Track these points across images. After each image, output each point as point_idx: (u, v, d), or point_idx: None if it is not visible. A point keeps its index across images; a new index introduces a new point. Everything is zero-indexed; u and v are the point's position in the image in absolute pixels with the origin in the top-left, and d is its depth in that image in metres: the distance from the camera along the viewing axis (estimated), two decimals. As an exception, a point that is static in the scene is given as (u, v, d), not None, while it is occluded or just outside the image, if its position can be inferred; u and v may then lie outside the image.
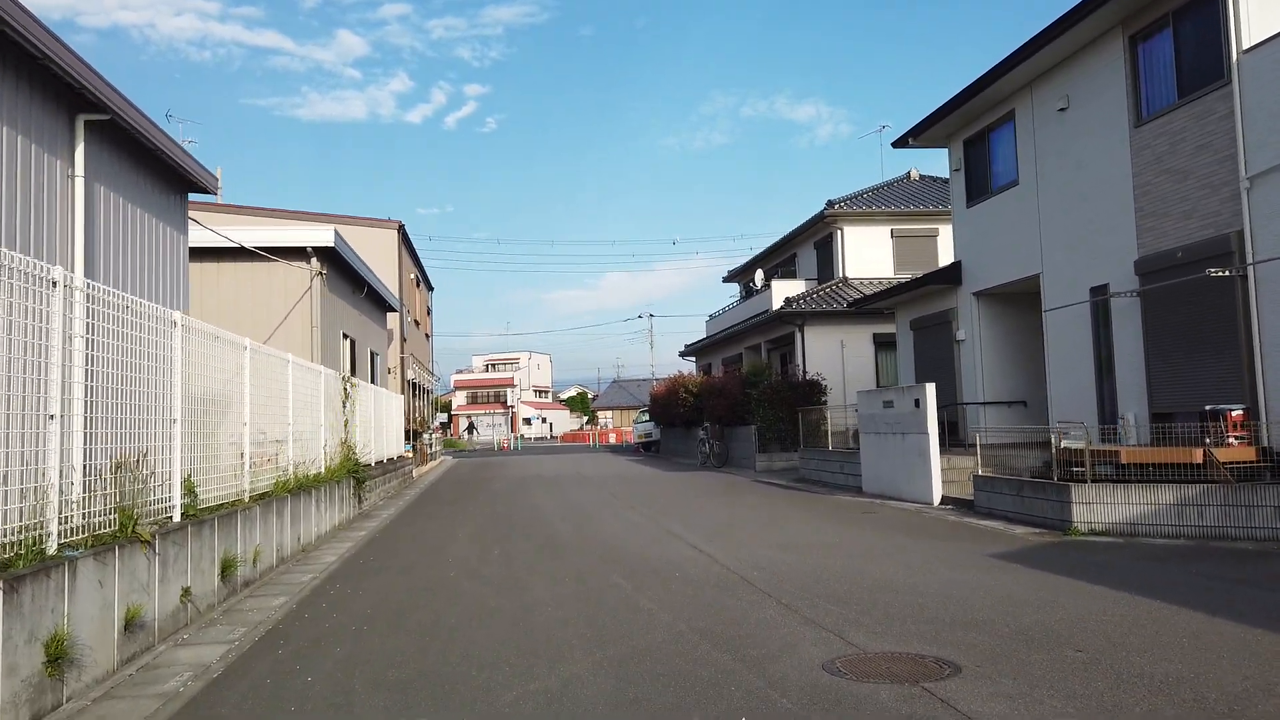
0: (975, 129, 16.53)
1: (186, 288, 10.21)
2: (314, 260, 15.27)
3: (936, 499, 13.67)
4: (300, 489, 11.13)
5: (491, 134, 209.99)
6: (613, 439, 62.12)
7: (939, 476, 13.77)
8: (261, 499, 9.37)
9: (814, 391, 23.16)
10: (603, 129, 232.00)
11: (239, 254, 14.99)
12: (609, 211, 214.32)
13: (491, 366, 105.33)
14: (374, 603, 7.46)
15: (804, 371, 24.14)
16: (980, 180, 16.64)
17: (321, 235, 14.99)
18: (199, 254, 14.93)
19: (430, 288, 37.59)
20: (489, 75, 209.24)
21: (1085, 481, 10.33)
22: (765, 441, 23.23)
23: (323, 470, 13.03)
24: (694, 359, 38.49)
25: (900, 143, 18.01)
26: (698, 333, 37.90)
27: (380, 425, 19.33)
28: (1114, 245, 12.88)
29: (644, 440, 39.47)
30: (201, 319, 14.89)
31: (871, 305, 20.82)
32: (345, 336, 17.86)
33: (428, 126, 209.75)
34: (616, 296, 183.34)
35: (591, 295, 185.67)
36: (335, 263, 16.39)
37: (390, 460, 20.39)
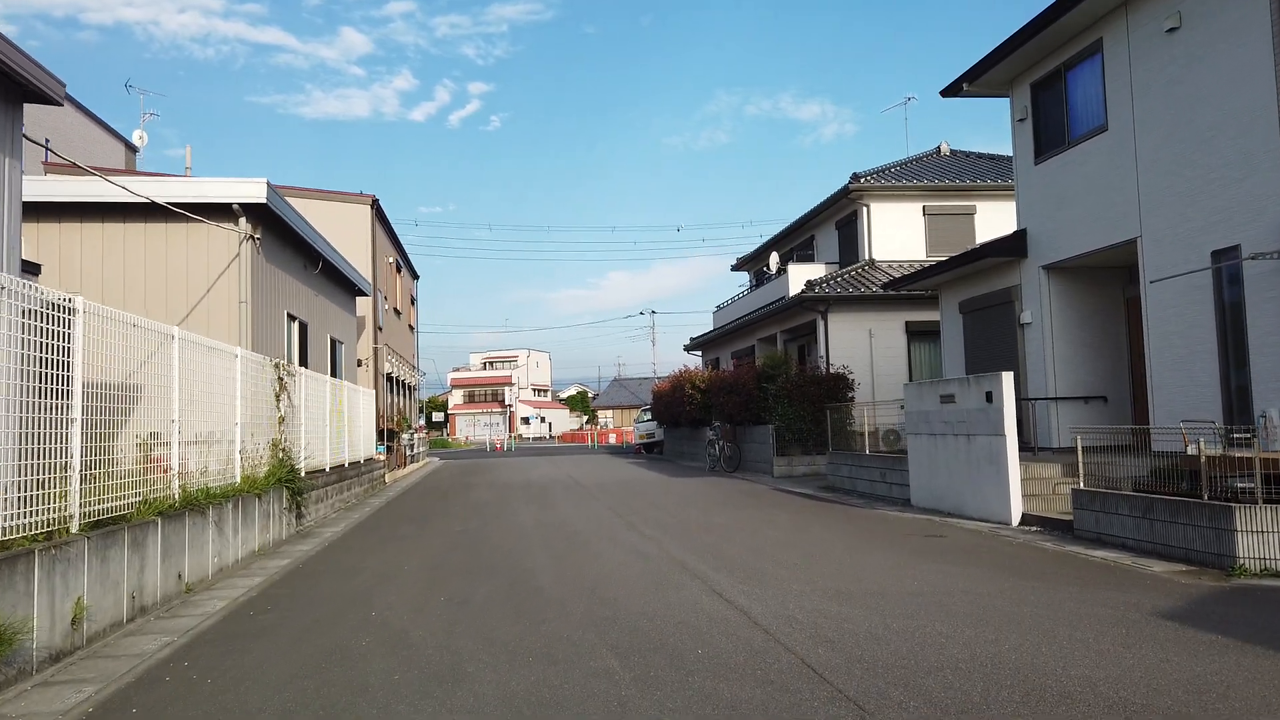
0: (1048, 67, 13.69)
1: (17, 230, 7.41)
2: (243, 221, 12.44)
3: (1015, 517, 10.84)
4: (191, 507, 8.34)
5: (495, 132, 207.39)
6: (613, 439, 59.32)
7: (1018, 489, 10.94)
8: (104, 526, 6.57)
9: (840, 386, 20.33)
10: (606, 127, 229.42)
11: (150, 213, 12.18)
12: (612, 209, 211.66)
13: (489, 364, 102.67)
14: (216, 707, 4.65)
15: (827, 364, 21.32)
16: (1054, 129, 13.80)
17: (250, 190, 12.16)
18: (96, 212, 12.18)
19: (415, 275, 34.78)
20: (493, 73, 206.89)
21: (1254, 502, 7.52)
22: (784, 443, 20.41)
23: (238, 480, 10.24)
24: (700, 353, 35.67)
25: (952, 90, 15.17)
26: (702, 329, 35.09)
27: (339, 424, 16.54)
28: (1249, 196, 10.07)
29: (646, 441, 36.64)
30: (98, 290, 12.09)
31: (910, 286, 18.00)
32: (292, 318, 15.04)
33: (431, 125, 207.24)
34: (618, 295, 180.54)
35: (593, 294, 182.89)
36: (274, 227, 13.57)
37: (354, 465, 17.60)
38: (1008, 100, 14.99)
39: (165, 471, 8.22)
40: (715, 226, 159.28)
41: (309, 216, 17.56)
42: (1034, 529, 10.41)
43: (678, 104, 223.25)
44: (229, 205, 12.29)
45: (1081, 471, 9.75)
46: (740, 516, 12.54)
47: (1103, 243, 12.57)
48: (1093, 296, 13.97)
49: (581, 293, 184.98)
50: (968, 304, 16.20)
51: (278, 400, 12.18)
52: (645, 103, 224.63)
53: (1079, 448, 9.83)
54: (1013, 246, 14.58)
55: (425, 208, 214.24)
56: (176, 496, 8.21)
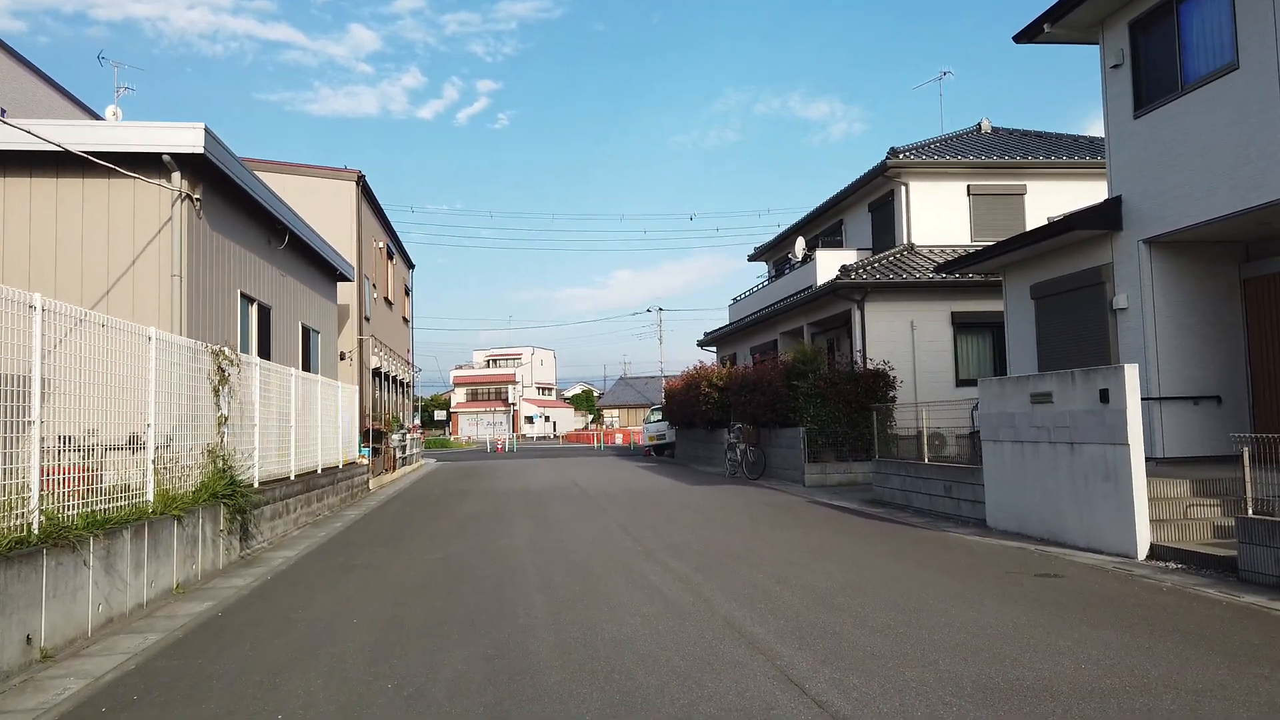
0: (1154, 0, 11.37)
1: None
2: (177, 177, 10.16)
3: (1142, 549, 8.52)
4: (56, 541, 6.07)
5: (503, 130, 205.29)
6: (619, 440, 57.05)
7: (1145, 513, 8.62)
8: None
9: (880, 385, 18.03)
10: (615, 125, 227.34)
11: (63, 166, 9.95)
12: (621, 206, 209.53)
13: (493, 362, 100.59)
14: None
15: (864, 359, 19.01)
16: (1161, 74, 11.46)
17: (183, 137, 9.87)
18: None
19: (410, 264, 32.52)
20: (501, 71, 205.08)
21: None
22: (816, 448, 18.10)
23: (150, 497, 7.98)
24: (715, 349, 33.36)
25: (1029, 33, 12.83)
26: (712, 327, 32.78)
27: (308, 424, 14.28)
28: None
29: (656, 443, 34.37)
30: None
31: (967, 268, 15.63)
32: (249, 300, 12.78)
33: (439, 122, 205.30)
34: (624, 294, 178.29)
35: (598, 293, 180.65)
36: (222, 187, 11.30)
37: (328, 471, 15.34)
38: (1096, 48, 12.67)
39: (72, 489, 5.98)
40: (729, 215, 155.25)
41: (286, 194, 15.33)
42: (1173, 566, 8.09)
43: (687, 102, 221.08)
44: (158, 156, 10.02)
45: (1249, 494, 7.41)
46: (784, 541, 10.24)
47: (1232, 208, 10.22)
48: (1202, 277, 11.65)
49: (587, 291, 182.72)
50: (1042, 288, 13.86)
51: (217, 396, 9.92)
52: (654, 100, 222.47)
53: (1245, 459, 7.50)
54: (1104, 217, 12.24)
55: (432, 205, 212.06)
56: (34, 528, 5.94)
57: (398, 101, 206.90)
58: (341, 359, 20.63)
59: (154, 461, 8.11)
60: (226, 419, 10.13)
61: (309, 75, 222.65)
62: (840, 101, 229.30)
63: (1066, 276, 13.22)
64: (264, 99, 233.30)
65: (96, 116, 26.18)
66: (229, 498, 9.57)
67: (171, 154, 9.97)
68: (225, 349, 10.17)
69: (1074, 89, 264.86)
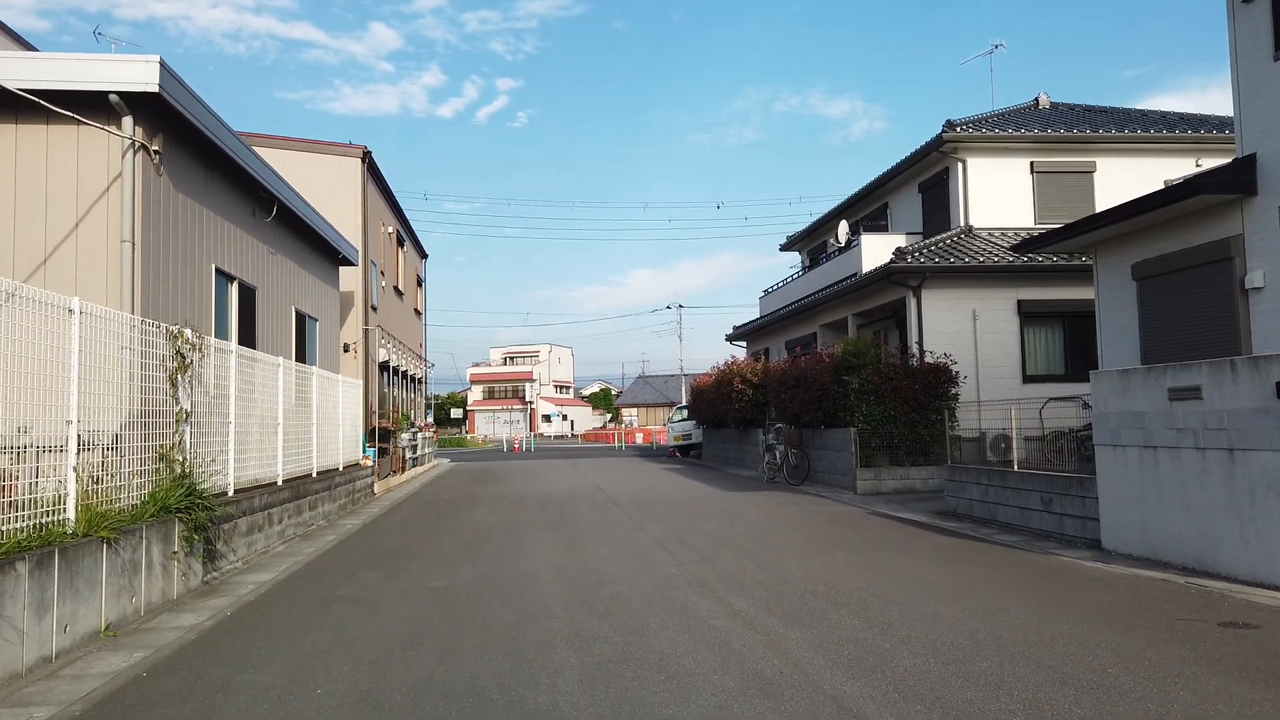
0: (1308, -89, 9.41)
1: None
2: (129, 123, 8.41)
3: (1341, 588, 6.62)
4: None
5: (522, 129, 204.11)
6: (639, 439, 55.19)
7: (1345, 541, 6.71)
8: None
9: (941, 381, 16.13)
10: (635, 123, 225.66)
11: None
12: (640, 203, 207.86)
13: (509, 359, 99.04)
14: None
15: (921, 352, 17.09)
16: (1314, 3, 9.51)
17: (132, 72, 8.11)
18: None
19: (423, 253, 30.79)
20: (521, 69, 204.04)
21: None
22: (869, 451, 16.21)
23: (72, 515, 6.24)
24: (744, 344, 31.47)
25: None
26: (736, 323, 30.95)
27: (301, 422, 12.56)
28: None
29: (681, 442, 32.54)
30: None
31: (1053, 245, 13.56)
32: (228, 278, 11.03)
33: (459, 121, 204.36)
34: (641, 294, 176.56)
35: (615, 292, 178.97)
36: (189, 140, 9.54)
37: (324, 474, 13.61)
38: (1216, -19, 10.72)
39: None
40: (758, 204, 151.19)
41: (285, 171, 13.63)
42: (1395, 612, 6.18)
43: (708, 99, 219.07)
44: (105, 96, 8.25)
45: None
46: (865, 568, 8.37)
47: None
48: (1358, 250, 9.70)
49: (605, 290, 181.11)
50: (1147, 267, 11.90)
51: (175, 387, 8.17)
52: (675, 98, 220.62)
53: None
54: (1233, 180, 10.29)
55: (451, 204, 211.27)
56: None
57: (417, 100, 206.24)
58: (345, 351, 18.92)
59: (76, 469, 6.36)
60: (189, 414, 8.38)
61: (330, 74, 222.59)
62: (861, 99, 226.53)
63: (1180, 253, 11.26)
64: (285, 97, 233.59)
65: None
66: (186, 511, 7.82)
67: (119, 92, 8.20)
68: (186, 330, 8.42)
69: (1123, 71, 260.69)
